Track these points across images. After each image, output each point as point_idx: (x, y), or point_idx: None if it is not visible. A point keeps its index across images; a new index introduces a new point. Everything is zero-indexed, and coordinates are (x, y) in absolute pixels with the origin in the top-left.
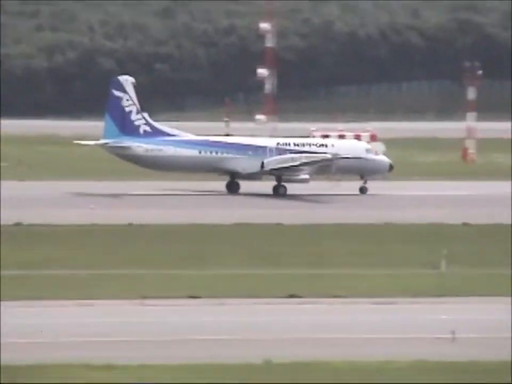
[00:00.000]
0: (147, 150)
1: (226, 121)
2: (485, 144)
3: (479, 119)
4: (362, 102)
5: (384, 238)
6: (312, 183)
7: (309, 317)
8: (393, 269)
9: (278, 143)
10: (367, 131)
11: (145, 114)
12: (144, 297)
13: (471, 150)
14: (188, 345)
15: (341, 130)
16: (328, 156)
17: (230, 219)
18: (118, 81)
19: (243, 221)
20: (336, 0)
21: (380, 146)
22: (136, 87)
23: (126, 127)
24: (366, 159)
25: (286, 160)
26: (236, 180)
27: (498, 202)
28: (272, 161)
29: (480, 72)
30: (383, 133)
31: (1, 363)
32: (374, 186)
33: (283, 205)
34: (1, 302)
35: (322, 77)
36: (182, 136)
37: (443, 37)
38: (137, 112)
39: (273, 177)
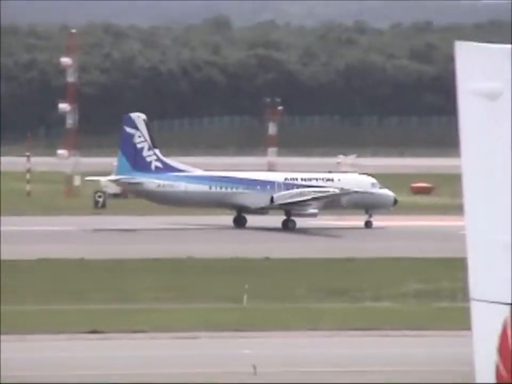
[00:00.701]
0: (159, 186)
1: (27, 155)
2: None
3: (279, 154)
4: (165, 137)
5: (188, 272)
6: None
7: (110, 352)
8: (196, 303)
9: (286, 178)
10: None
11: (157, 151)
12: None
13: None
14: None
15: None
16: (337, 190)
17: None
18: (130, 118)
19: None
20: (137, 35)
21: None
22: None
23: (138, 163)
24: (372, 193)
25: (295, 195)
26: (243, 215)
27: (301, 237)
28: (281, 196)
29: (280, 107)
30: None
31: None
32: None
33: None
34: None
35: (124, 112)
36: (193, 171)
37: (243, 73)
38: (149, 149)
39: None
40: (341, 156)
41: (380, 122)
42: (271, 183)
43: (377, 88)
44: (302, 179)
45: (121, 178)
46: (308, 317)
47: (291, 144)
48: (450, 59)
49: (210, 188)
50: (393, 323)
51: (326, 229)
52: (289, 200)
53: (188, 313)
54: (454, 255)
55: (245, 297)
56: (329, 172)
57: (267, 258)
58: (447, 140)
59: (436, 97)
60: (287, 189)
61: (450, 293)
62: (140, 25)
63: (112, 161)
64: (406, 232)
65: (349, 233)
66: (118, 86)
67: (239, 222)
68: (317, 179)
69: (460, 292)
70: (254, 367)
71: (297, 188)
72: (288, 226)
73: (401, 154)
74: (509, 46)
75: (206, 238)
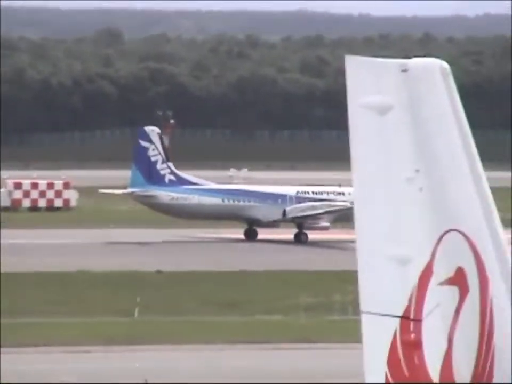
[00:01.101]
0: (173, 199)
1: None
2: None
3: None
4: (56, 149)
5: (79, 285)
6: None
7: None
8: (88, 317)
9: (297, 191)
10: (61, 179)
11: (170, 164)
12: None
13: None
14: None
15: (35, 178)
16: (349, 204)
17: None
18: (145, 131)
19: None
20: (27, 47)
21: (73, 194)
22: None
23: (152, 176)
24: None
25: (307, 208)
26: (254, 228)
27: (187, 249)
28: (293, 209)
29: (172, 120)
30: (77, 181)
31: None
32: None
33: None
34: None
35: (15, 124)
36: (205, 184)
37: (135, 86)
38: (163, 162)
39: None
40: (232, 169)
41: (271, 135)
42: (283, 197)
43: (268, 101)
44: (313, 192)
45: (135, 191)
46: (198, 330)
47: (182, 157)
48: (340, 73)
49: (223, 200)
50: (283, 336)
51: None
52: (302, 214)
53: (79, 326)
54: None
55: (136, 310)
56: (339, 185)
57: (159, 271)
58: (338, 154)
59: (327, 111)
60: (299, 202)
61: (342, 306)
62: (30, 36)
63: (3, 174)
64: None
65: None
66: (8, 99)
67: (250, 235)
68: (328, 192)
69: (350, 305)
70: (146, 380)
71: (309, 201)
72: (300, 239)
73: (292, 168)
74: (398, 60)
75: (97, 252)
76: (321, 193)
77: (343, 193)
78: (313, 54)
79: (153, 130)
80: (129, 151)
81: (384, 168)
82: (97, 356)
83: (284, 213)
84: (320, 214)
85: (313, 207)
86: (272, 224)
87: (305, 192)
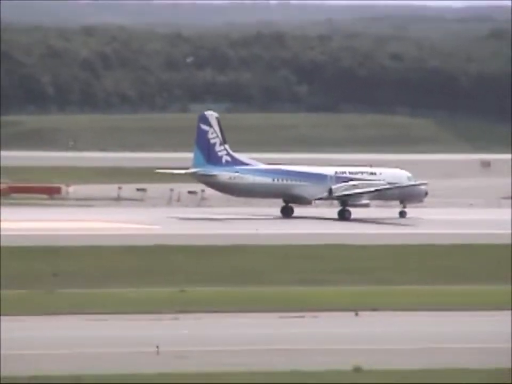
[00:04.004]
0: (230, 178)
1: None
2: None
3: None
4: None
5: None
6: None
7: None
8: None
9: (336, 172)
10: None
11: (227, 146)
12: None
13: None
14: None
15: None
16: (384, 183)
17: None
18: (205, 116)
19: None
20: None
21: None
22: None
23: (211, 157)
24: (409, 186)
25: (351, 187)
26: (290, 205)
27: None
28: (339, 188)
29: None
30: None
31: None
32: None
33: None
34: None
35: None
36: (257, 165)
37: None
38: (220, 144)
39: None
40: None
41: None
42: (325, 176)
43: None
44: (349, 172)
45: (197, 171)
46: None
47: None
48: None
49: (273, 180)
50: None
51: None
52: (346, 192)
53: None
54: None
55: None
56: (370, 166)
57: None
58: None
59: None
60: (337, 182)
61: None
62: None
63: None
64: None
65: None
66: None
67: (287, 213)
68: (362, 172)
69: None
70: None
71: (347, 180)
72: (344, 216)
73: None
74: None
75: None
76: (356, 173)
77: (375, 173)
78: None
79: (212, 115)
80: None
81: None
82: None
83: (330, 191)
84: (363, 192)
85: (356, 186)
86: (308, 202)
87: (342, 172)
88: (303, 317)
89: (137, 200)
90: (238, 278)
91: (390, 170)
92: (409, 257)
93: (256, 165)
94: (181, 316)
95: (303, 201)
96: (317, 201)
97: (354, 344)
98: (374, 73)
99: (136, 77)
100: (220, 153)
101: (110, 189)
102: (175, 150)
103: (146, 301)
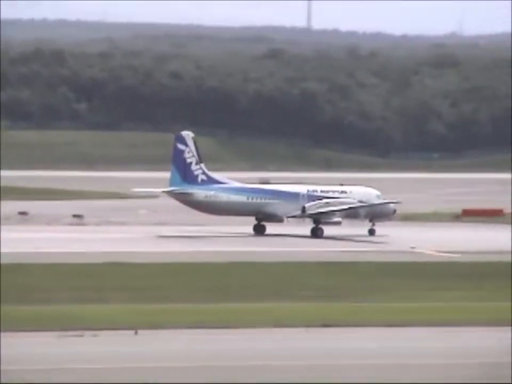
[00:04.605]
0: (206, 196)
1: None
2: None
3: None
4: None
5: None
6: None
7: None
8: None
9: (308, 190)
10: None
11: (202, 165)
12: None
13: None
14: None
15: None
16: (355, 201)
17: None
18: (181, 135)
19: None
20: None
21: None
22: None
23: (188, 176)
24: (377, 205)
25: (323, 205)
26: (262, 223)
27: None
28: (312, 206)
29: None
30: None
31: None
32: None
33: None
34: None
35: None
36: (232, 184)
37: None
38: (196, 163)
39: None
40: None
41: None
42: (298, 195)
43: None
44: (321, 191)
45: (174, 190)
46: None
47: None
48: None
49: (247, 198)
50: None
51: None
52: (319, 210)
53: None
54: None
55: None
56: (341, 184)
57: None
58: None
59: None
60: (309, 200)
61: None
62: None
63: None
64: None
65: None
66: None
67: (259, 230)
68: (333, 191)
69: None
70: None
71: (318, 199)
72: (317, 233)
73: None
74: None
75: None
76: (327, 191)
77: (346, 192)
78: None
79: (188, 135)
80: None
81: None
82: None
83: (303, 209)
84: (335, 210)
85: (328, 204)
86: (280, 219)
87: (314, 191)
88: (81, 336)
89: None
90: (15, 296)
91: (360, 188)
92: (193, 275)
93: (230, 183)
94: None
95: (276, 219)
96: (289, 219)
97: (134, 363)
98: (154, 92)
99: None
100: (195, 172)
101: None
102: None
103: None
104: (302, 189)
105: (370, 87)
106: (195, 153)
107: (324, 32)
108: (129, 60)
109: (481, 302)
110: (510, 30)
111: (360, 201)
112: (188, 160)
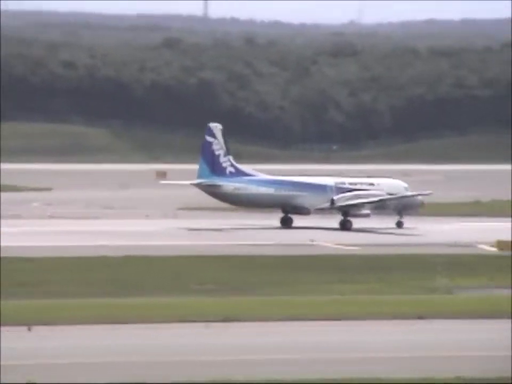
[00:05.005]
0: (235, 189)
1: None
2: None
3: None
4: None
5: None
6: None
7: None
8: None
9: (336, 182)
10: None
11: (230, 157)
12: None
13: None
14: None
15: None
16: (384, 193)
17: None
18: (210, 127)
19: None
20: None
21: None
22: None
23: (216, 168)
24: (407, 197)
25: (352, 197)
26: (289, 216)
27: None
28: (341, 198)
29: None
30: None
31: None
32: None
33: None
34: None
35: None
36: (260, 176)
37: None
38: (224, 155)
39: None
40: None
41: None
42: (326, 187)
43: None
44: (349, 183)
45: (202, 182)
46: None
47: None
48: None
49: (275, 190)
50: None
51: None
52: (348, 202)
53: None
54: None
55: None
56: (368, 176)
57: None
58: None
59: None
60: (338, 192)
61: None
62: None
63: None
64: None
65: None
66: None
67: (286, 223)
68: (361, 183)
69: None
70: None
71: (348, 191)
72: (346, 226)
73: None
74: None
75: None
76: (356, 183)
77: (373, 184)
78: None
79: (216, 127)
80: None
81: None
82: None
83: (332, 201)
84: (364, 203)
85: (357, 196)
86: (308, 212)
87: (342, 183)
88: None
89: None
90: None
91: (387, 180)
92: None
93: (258, 175)
94: None
95: (303, 211)
96: (313, 212)
97: (26, 360)
98: (47, 81)
99: None
100: (224, 164)
101: None
102: None
103: None
104: (329, 181)
105: (268, 76)
106: (223, 145)
107: (221, 21)
108: (20, 48)
109: (379, 295)
110: (409, 19)
111: (389, 193)
112: (216, 152)
